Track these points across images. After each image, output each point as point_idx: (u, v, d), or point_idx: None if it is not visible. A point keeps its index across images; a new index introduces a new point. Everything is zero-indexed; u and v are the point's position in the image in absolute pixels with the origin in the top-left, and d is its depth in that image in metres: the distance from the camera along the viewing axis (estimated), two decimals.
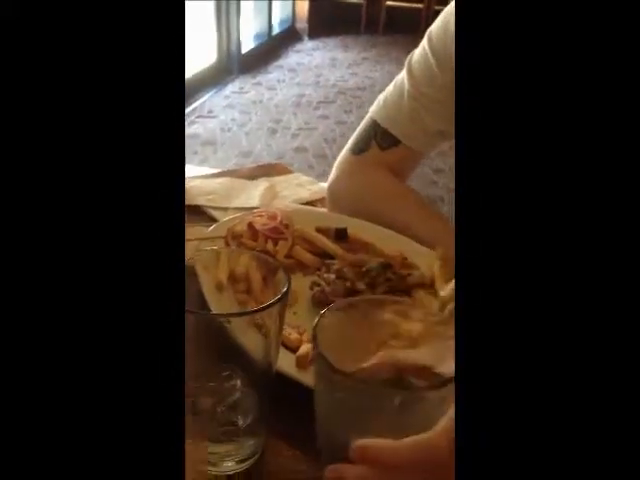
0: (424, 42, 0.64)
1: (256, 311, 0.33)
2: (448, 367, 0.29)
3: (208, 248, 0.48)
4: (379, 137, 0.66)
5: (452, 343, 0.31)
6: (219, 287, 0.43)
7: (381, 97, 0.67)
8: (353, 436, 0.29)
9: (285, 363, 0.42)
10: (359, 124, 0.70)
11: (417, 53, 0.65)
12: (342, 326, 0.32)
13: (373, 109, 0.67)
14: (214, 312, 0.39)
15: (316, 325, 0.31)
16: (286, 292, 0.34)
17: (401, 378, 0.32)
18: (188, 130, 2.74)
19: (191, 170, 0.83)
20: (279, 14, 4.44)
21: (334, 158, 0.72)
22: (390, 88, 0.67)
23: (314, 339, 0.30)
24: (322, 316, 0.31)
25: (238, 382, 0.36)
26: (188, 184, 0.75)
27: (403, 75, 0.65)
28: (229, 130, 2.88)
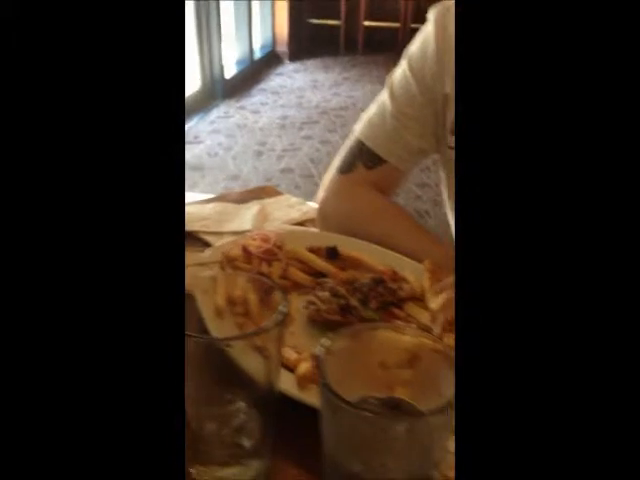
0: (403, 63, 0.67)
1: (255, 333, 0.34)
2: (449, 387, 0.29)
3: (205, 274, 0.49)
4: (364, 156, 0.68)
5: (451, 355, 0.32)
6: (218, 312, 0.44)
7: (365, 116, 0.69)
8: (358, 462, 0.30)
9: (286, 383, 0.42)
10: (344, 143, 0.72)
11: (397, 74, 0.68)
12: (345, 353, 0.33)
13: (357, 128, 0.69)
14: (214, 336, 0.39)
15: (320, 355, 0.31)
16: (285, 313, 0.35)
17: (401, 400, 0.33)
18: None
19: None
20: (260, 39, 4.51)
21: (320, 177, 0.74)
22: (373, 108, 0.69)
23: (319, 369, 0.30)
24: (325, 345, 0.32)
25: (242, 405, 0.37)
26: None
27: (385, 95, 0.68)
28: (216, 155, 2.90)
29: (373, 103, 0.70)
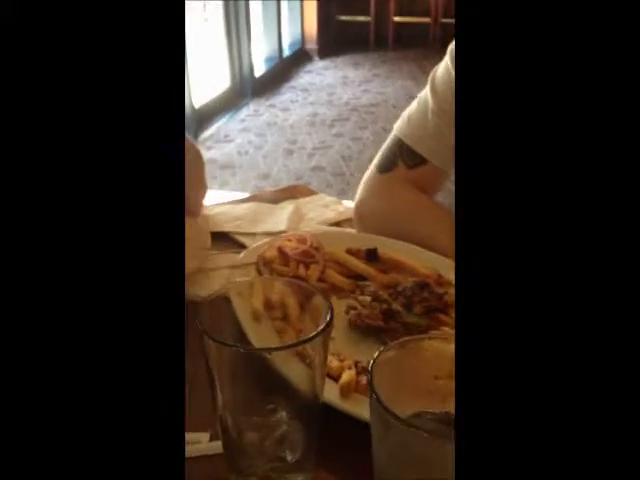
0: (446, 59, 0.64)
1: (299, 343, 0.33)
2: None
3: (240, 279, 0.48)
4: (405, 155, 0.65)
5: None
6: (256, 316, 0.42)
7: (405, 114, 0.67)
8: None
9: (328, 392, 0.41)
10: (374, 140, 0.70)
11: (440, 70, 0.64)
12: (394, 365, 0.31)
13: (397, 126, 0.67)
14: (256, 346, 0.38)
15: (371, 369, 0.30)
16: (330, 321, 0.33)
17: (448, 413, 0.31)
18: (206, 155, 2.79)
19: (212, 195, 0.84)
20: (289, 37, 4.51)
21: (352, 175, 0.72)
22: (414, 105, 0.66)
23: (370, 384, 0.29)
24: (375, 359, 0.30)
25: (284, 415, 0.35)
26: (214, 211, 0.76)
27: (426, 92, 0.65)
28: (246, 153, 2.91)
29: (414, 100, 0.67)
